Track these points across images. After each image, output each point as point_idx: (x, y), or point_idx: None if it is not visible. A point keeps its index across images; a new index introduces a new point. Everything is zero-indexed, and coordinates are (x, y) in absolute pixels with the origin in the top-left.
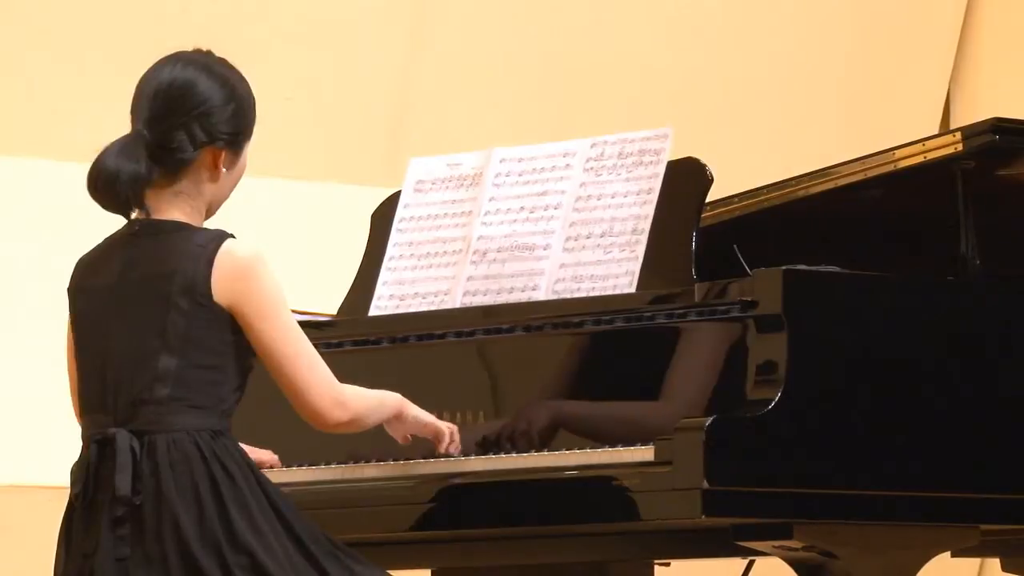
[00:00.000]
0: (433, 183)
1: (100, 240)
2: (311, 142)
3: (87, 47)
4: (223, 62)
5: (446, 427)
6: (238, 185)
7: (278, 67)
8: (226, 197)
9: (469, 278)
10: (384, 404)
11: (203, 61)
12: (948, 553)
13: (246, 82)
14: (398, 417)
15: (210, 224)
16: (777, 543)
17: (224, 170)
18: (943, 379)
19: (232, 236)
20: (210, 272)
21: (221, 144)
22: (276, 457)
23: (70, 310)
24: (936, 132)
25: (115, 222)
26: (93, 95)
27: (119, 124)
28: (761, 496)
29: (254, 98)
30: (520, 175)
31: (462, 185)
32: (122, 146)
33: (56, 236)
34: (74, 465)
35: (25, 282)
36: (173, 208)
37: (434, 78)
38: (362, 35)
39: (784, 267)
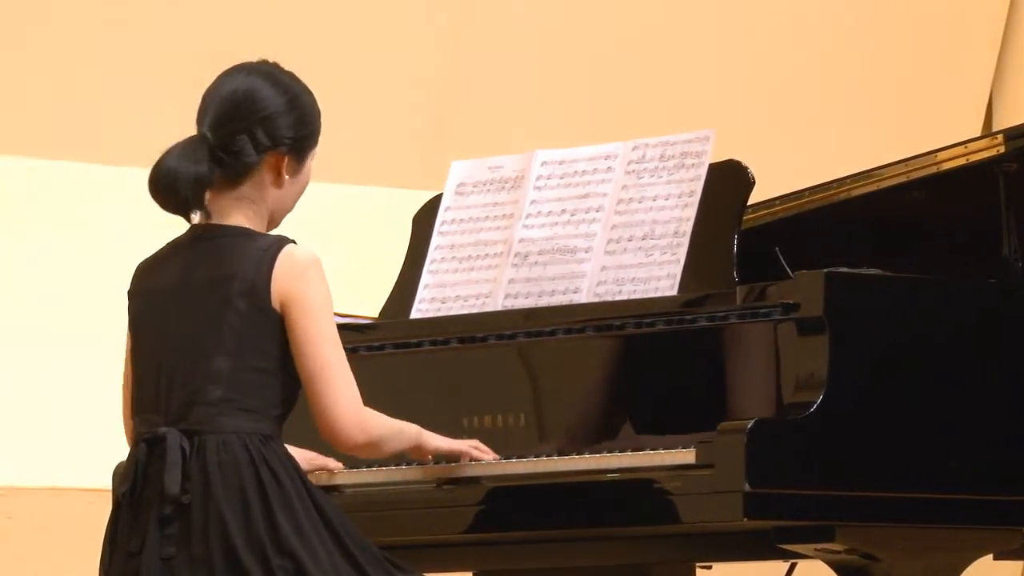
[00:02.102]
0: (474, 186)
1: (145, 244)
2: (353, 146)
3: (130, 54)
4: (289, 73)
5: (467, 446)
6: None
7: (319, 71)
8: (290, 208)
9: (510, 281)
10: (403, 433)
11: (267, 70)
12: (990, 556)
13: (311, 94)
14: (417, 448)
15: None
16: (819, 546)
17: (287, 177)
18: (985, 381)
19: (293, 242)
20: (270, 275)
21: (284, 149)
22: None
23: (129, 313)
24: (978, 134)
25: (162, 225)
26: (136, 101)
27: (161, 129)
28: (803, 499)
29: (319, 110)
30: (562, 178)
31: (503, 188)
32: (184, 147)
33: (96, 240)
34: (121, 464)
35: (65, 287)
36: (235, 213)
37: (475, 81)
38: (403, 38)
39: (826, 269)
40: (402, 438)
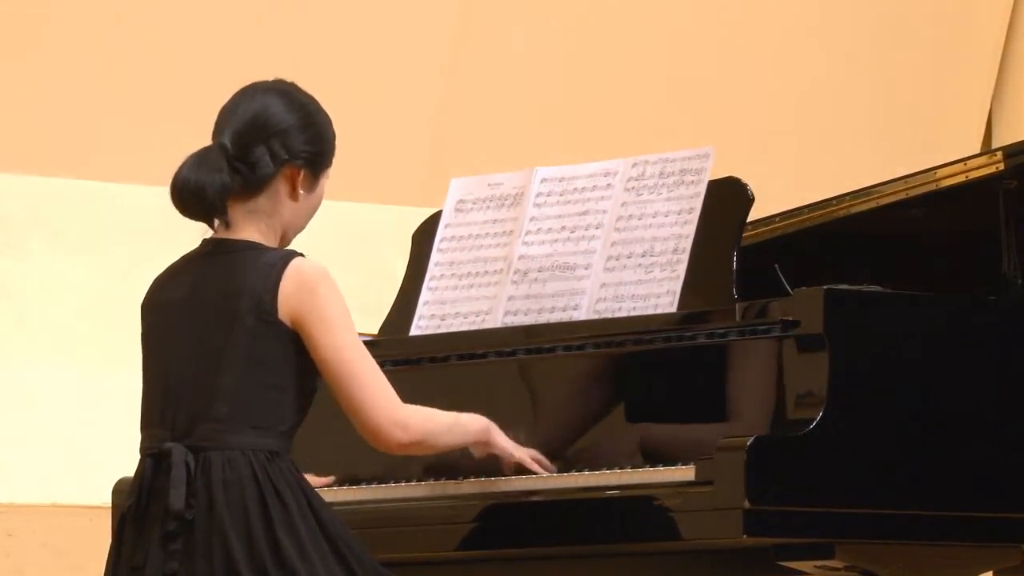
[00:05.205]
0: (474, 203)
1: (146, 261)
2: (352, 163)
3: (132, 71)
4: (305, 93)
5: (529, 456)
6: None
7: (319, 88)
8: (302, 225)
9: (510, 298)
10: (459, 426)
11: (283, 88)
12: (990, 573)
13: (326, 115)
14: (486, 444)
15: None
16: (819, 563)
17: (302, 192)
18: (985, 398)
19: (302, 255)
20: (277, 289)
21: (301, 163)
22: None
23: (141, 327)
24: (978, 151)
25: (165, 242)
26: (139, 118)
27: (163, 146)
28: (803, 516)
29: (334, 131)
30: (561, 195)
31: (503, 205)
32: (202, 157)
33: (97, 257)
34: (123, 480)
35: (64, 305)
36: (248, 225)
37: (474, 98)
38: (403, 56)
39: (825, 287)
40: (458, 431)
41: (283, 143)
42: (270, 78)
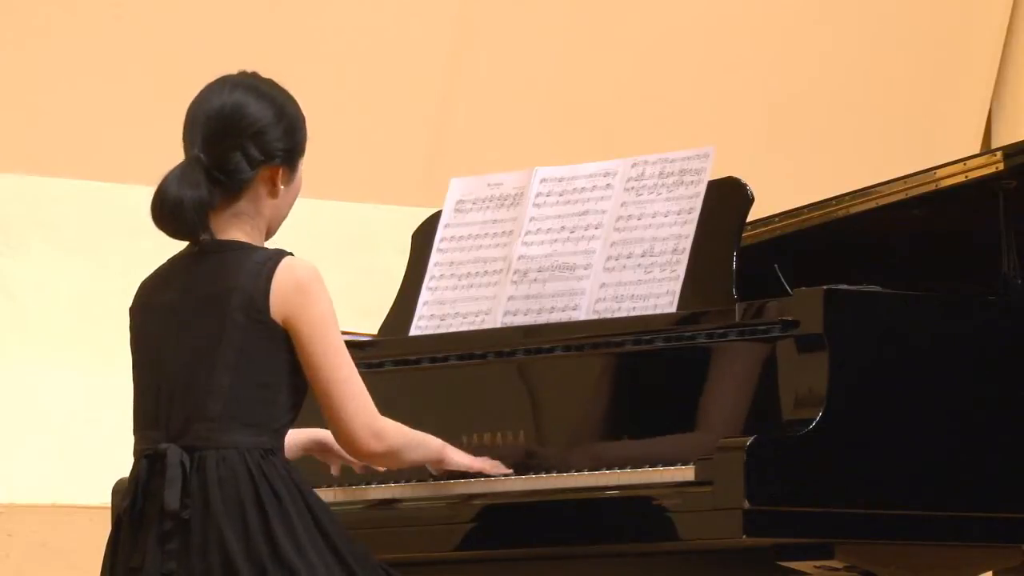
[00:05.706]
0: (474, 203)
1: (146, 261)
2: (351, 163)
3: (132, 71)
4: (270, 82)
5: (489, 465)
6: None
7: (319, 88)
8: (285, 216)
9: (510, 298)
10: (424, 445)
11: (250, 83)
12: (990, 573)
13: (294, 100)
14: (440, 462)
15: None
16: (819, 563)
17: (282, 187)
18: (985, 399)
19: (291, 254)
20: (268, 288)
21: (278, 161)
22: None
23: (130, 329)
24: (978, 151)
25: (164, 242)
26: (138, 118)
27: (163, 146)
28: (802, 516)
29: (303, 116)
30: (561, 195)
31: (503, 205)
32: (181, 173)
33: (96, 257)
34: (121, 480)
35: (65, 304)
36: (233, 229)
37: (474, 98)
38: (402, 56)
39: (825, 287)
40: (422, 450)
41: (258, 145)
42: (266, 77)
